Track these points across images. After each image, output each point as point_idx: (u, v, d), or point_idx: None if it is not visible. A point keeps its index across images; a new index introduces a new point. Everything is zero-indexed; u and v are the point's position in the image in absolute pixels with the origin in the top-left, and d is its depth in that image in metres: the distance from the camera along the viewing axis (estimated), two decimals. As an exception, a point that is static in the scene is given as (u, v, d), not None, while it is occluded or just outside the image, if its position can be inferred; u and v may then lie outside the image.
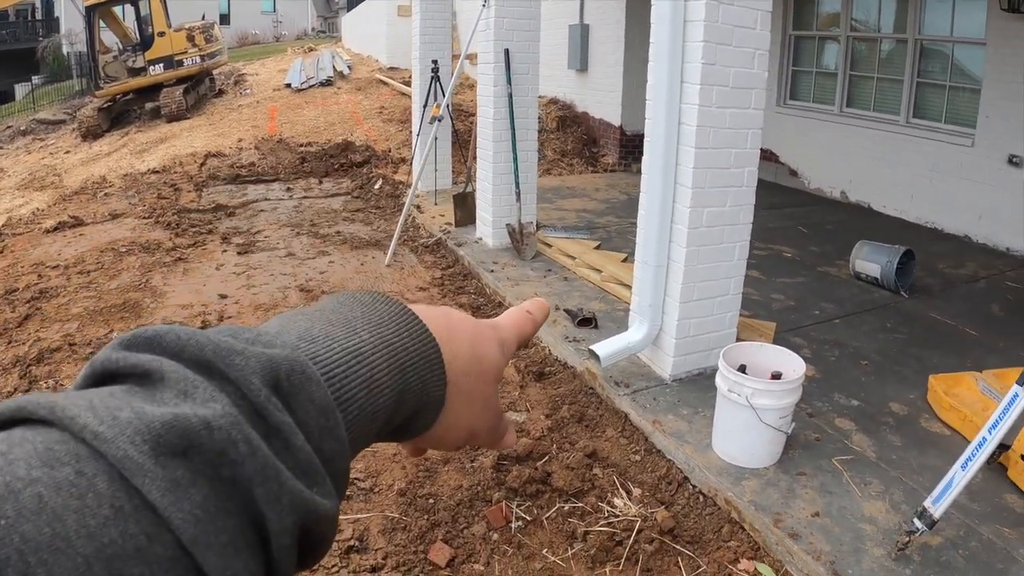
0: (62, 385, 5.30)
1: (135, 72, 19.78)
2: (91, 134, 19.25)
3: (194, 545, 0.38)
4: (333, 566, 3.58)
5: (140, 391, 0.42)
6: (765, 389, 3.87)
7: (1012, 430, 3.78)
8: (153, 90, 19.69)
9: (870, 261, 6.93)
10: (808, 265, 7.63)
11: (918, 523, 3.32)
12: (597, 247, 7.67)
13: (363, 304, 0.61)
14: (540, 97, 14.95)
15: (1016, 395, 3.21)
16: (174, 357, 0.44)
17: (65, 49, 40.28)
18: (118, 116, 20.47)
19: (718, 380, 4.08)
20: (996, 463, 4.04)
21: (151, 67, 19.58)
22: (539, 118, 13.93)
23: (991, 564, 3.39)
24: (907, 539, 3.38)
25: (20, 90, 39.02)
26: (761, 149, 11.05)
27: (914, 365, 5.38)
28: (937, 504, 3.28)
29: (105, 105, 20.05)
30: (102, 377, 0.44)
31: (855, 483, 3.98)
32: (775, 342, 5.41)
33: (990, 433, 3.23)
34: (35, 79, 39.24)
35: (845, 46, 10.23)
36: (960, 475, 3.25)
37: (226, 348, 0.45)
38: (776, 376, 4.00)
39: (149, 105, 19.88)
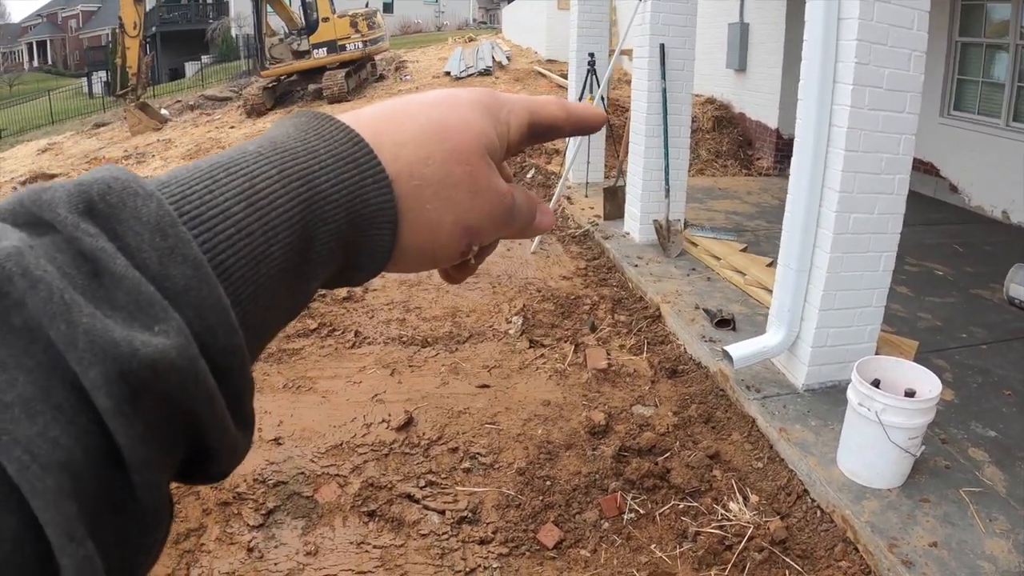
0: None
1: (299, 55, 20.56)
2: (255, 111, 20.01)
3: None
4: (443, 534, 3.68)
5: None
6: (896, 406, 3.74)
7: None
8: (316, 72, 20.35)
9: None
10: (960, 286, 7.27)
11: None
12: (743, 250, 7.56)
13: (274, 124, 0.51)
14: (697, 96, 14.84)
15: None
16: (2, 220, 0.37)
17: (233, 31, 42.29)
18: (282, 96, 21.24)
19: (849, 392, 3.95)
20: None
21: (315, 51, 20.32)
22: (695, 117, 13.84)
23: None
24: None
25: (190, 68, 41.39)
26: (921, 161, 10.71)
27: (1059, 402, 5.04)
28: None
29: (270, 85, 20.86)
30: None
31: (980, 517, 3.79)
32: (916, 362, 5.23)
33: None
34: (204, 58, 41.60)
35: (1014, 55, 9.65)
36: None
37: (37, 189, 0.38)
38: (909, 394, 3.86)
39: (312, 87, 20.50)
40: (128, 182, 0.39)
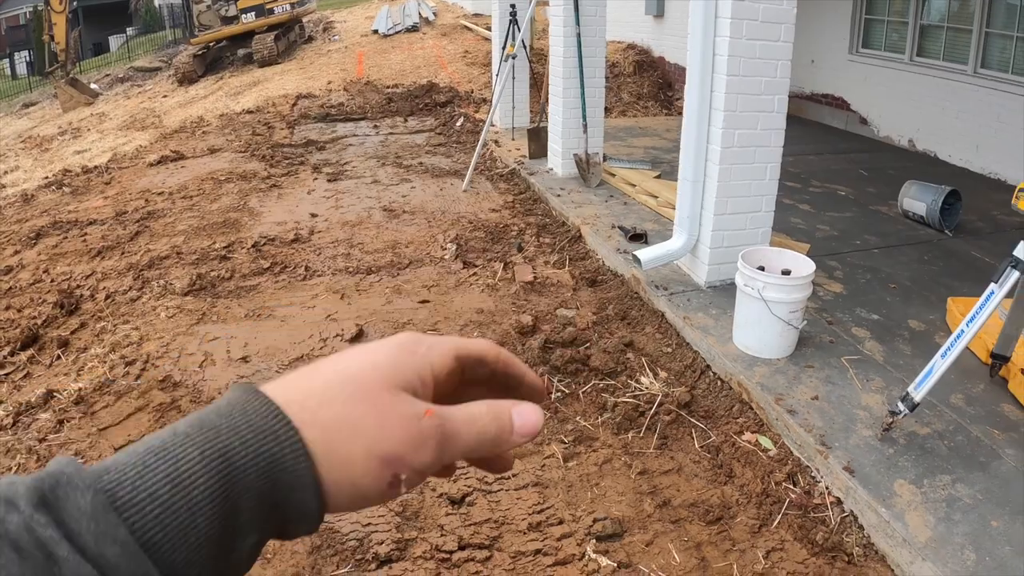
0: (171, 284, 6.08)
1: (228, 20, 20.70)
2: (187, 79, 20.25)
3: None
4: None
5: None
6: (775, 283, 4.38)
7: (1007, 341, 4.17)
8: (245, 37, 20.65)
9: (917, 200, 7.12)
10: (861, 203, 7.87)
11: (901, 405, 3.73)
12: (657, 176, 8.17)
13: (212, 403, 0.57)
14: (619, 43, 15.46)
15: (992, 291, 3.56)
16: None
17: (157, 1, 41.54)
18: (212, 62, 21.46)
19: (737, 277, 4.60)
20: (998, 376, 4.38)
21: (243, 15, 20.48)
22: (616, 63, 14.46)
23: (974, 457, 3.72)
24: (890, 420, 3.80)
25: (114, 42, 40.59)
26: (833, 97, 11.41)
27: (942, 292, 5.58)
28: (919, 389, 3.67)
29: (200, 52, 21.04)
30: None
31: (858, 379, 4.41)
32: (807, 261, 5.86)
33: (967, 325, 3.59)
34: (129, 31, 40.75)
35: (916, -7, 10.28)
36: (940, 363, 3.63)
37: (5, 483, 0.47)
38: (786, 273, 4.50)
39: (242, 51, 20.84)
40: (72, 477, 0.48)
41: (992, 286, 3.57)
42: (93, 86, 23.19)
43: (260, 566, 3.22)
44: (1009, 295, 3.62)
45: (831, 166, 9.34)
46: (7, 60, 40.77)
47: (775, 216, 6.21)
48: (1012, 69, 8.95)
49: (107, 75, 26.30)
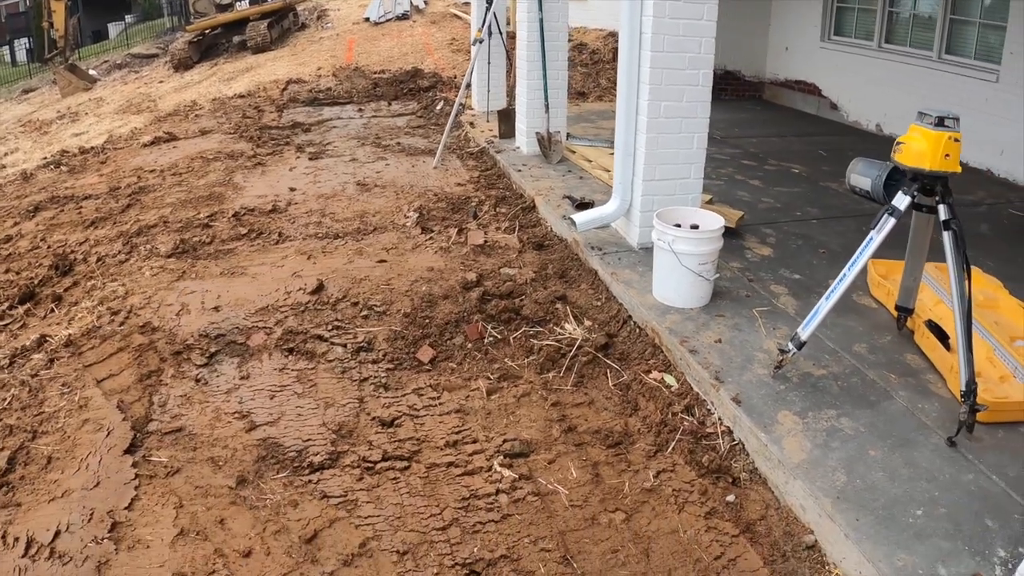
0: (157, 248, 6.63)
1: (223, 8, 21.25)
2: (182, 65, 20.75)
3: None
4: (345, 359, 4.82)
5: None
6: (684, 236, 4.86)
7: (908, 293, 4.58)
8: (240, 24, 21.09)
9: (863, 175, 7.33)
10: (812, 180, 8.24)
11: (790, 344, 4.16)
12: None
13: None
14: (600, 30, 15.92)
15: (871, 238, 4.00)
16: None
17: (156, -11, 42.04)
18: (207, 48, 21.93)
19: (653, 234, 5.07)
20: (906, 329, 4.74)
21: (238, 3, 21.01)
22: (597, 50, 14.96)
23: (864, 396, 4.05)
24: (781, 358, 4.21)
25: (113, 29, 41.04)
26: (805, 83, 11.93)
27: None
28: (805, 328, 4.09)
29: (195, 39, 21.57)
30: None
31: (765, 327, 4.82)
32: (744, 232, 6.35)
33: (849, 269, 4.01)
34: (128, 18, 41.19)
35: (884, -19, 10.66)
36: (824, 304, 4.04)
37: None
38: (695, 227, 4.99)
39: (236, 38, 21.26)
40: None
41: (871, 233, 3.96)
42: (91, 72, 23.66)
43: (210, 469, 3.77)
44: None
45: (792, 147, 9.73)
46: (7, 47, 41.23)
47: (723, 189, 6.61)
48: (975, 55, 9.25)
49: (105, 62, 26.79)
